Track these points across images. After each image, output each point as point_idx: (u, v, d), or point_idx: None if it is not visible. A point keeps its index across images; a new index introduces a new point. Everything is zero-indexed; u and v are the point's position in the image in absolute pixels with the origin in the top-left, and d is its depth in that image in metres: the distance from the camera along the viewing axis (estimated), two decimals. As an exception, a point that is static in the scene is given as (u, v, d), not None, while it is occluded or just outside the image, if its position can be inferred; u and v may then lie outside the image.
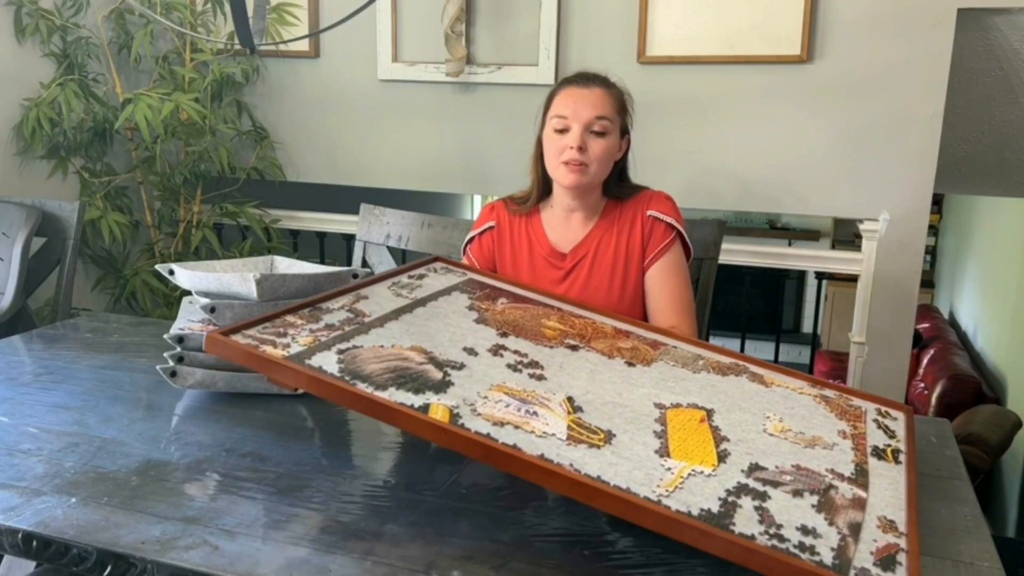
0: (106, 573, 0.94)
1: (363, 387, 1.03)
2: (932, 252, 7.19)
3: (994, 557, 0.97)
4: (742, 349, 3.67)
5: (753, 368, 1.30)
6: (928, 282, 7.01)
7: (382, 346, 1.15)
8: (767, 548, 0.87)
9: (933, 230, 6.91)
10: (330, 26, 2.48)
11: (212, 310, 1.36)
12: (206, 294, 1.42)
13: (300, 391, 1.40)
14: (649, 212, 1.63)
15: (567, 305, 1.43)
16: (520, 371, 1.15)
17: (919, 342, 4.79)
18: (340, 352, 1.11)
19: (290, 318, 1.20)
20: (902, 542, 0.92)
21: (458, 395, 1.05)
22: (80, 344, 1.67)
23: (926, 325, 5.23)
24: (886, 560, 0.89)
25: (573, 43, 2.63)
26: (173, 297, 2.82)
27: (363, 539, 0.97)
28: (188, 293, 1.50)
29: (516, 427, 1.00)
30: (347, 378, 1.05)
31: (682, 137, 2.55)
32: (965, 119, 2.66)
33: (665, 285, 1.62)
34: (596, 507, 0.93)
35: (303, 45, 2.88)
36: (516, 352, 1.20)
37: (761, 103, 2.49)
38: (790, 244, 7.21)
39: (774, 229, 7.81)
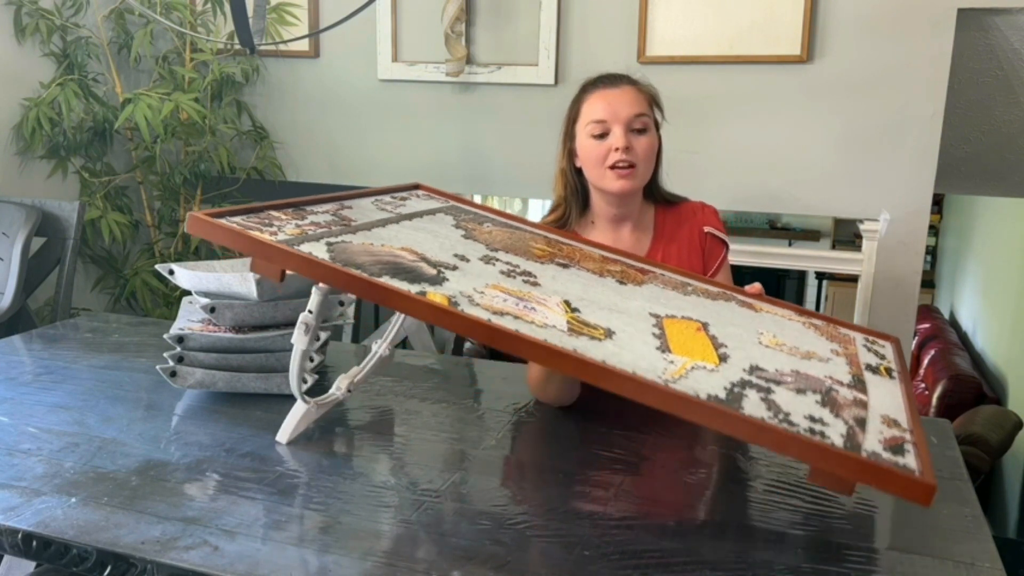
0: (106, 573, 0.94)
1: (357, 272, 1.02)
2: (932, 252, 7.19)
3: (995, 558, 0.97)
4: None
5: (740, 297, 1.34)
6: (928, 282, 7.01)
7: (372, 243, 1.14)
8: (779, 426, 0.87)
9: (933, 230, 6.91)
10: (330, 26, 2.49)
11: (212, 310, 1.36)
12: (206, 294, 1.42)
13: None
14: (706, 229, 1.62)
15: (552, 235, 1.44)
16: (514, 277, 1.15)
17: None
18: (329, 244, 1.10)
19: (274, 212, 1.18)
20: (907, 435, 0.94)
21: (454, 288, 1.05)
22: (80, 344, 1.67)
23: (926, 325, 5.22)
24: (895, 448, 0.90)
25: (573, 43, 2.62)
26: (173, 297, 2.82)
27: (363, 539, 0.97)
28: (188, 293, 1.50)
29: (516, 317, 1.00)
30: (340, 265, 1.04)
31: (682, 137, 2.55)
32: (965, 119, 2.66)
33: None
34: (604, 388, 0.93)
35: (303, 45, 2.87)
36: (508, 263, 1.21)
37: (761, 103, 2.48)
38: (790, 244, 7.21)
39: (774, 229, 7.81)
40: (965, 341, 5.24)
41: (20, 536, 0.97)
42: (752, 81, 2.48)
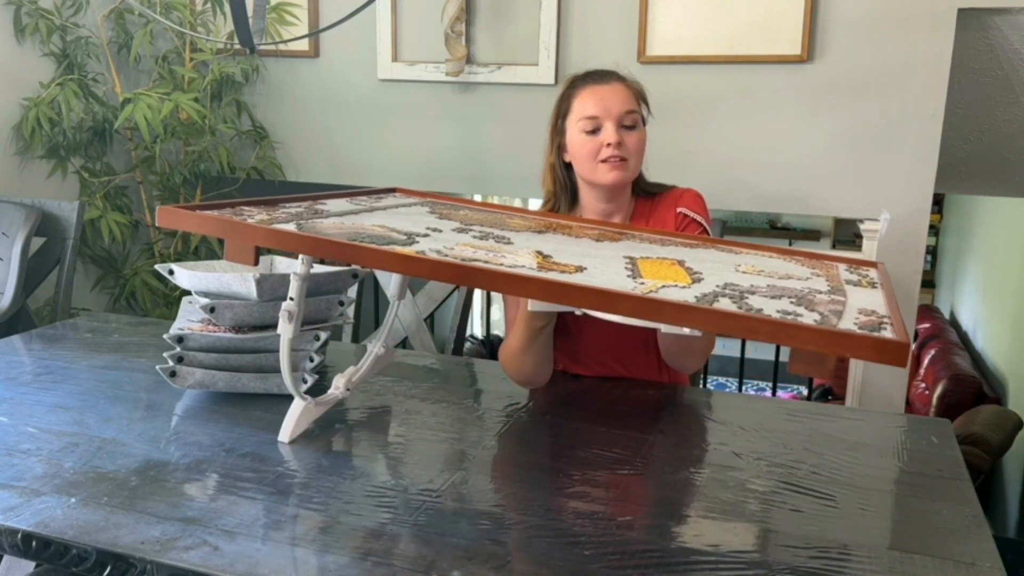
0: (106, 573, 0.93)
1: (324, 236, 1.04)
2: (933, 252, 7.20)
3: (995, 557, 0.97)
4: (742, 349, 3.67)
5: (721, 244, 1.34)
6: (929, 282, 7.02)
7: (343, 223, 1.16)
8: (748, 313, 0.88)
9: (934, 230, 6.91)
10: (330, 26, 2.48)
11: (212, 310, 1.36)
12: (206, 294, 1.42)
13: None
14: (679, 209, 1.61)
15: (530, 215, 1.47)
16: (487, 239, 1.17)
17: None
18: (299, 224, 1.12)
19: (246, 208, 1.20)
20: (885, 319, 0.93)
21: (423, 246, 1.06)
22: (80, 344, 1.67)
23: (926, 325, 5.22)
24: (871, 327, 0.90)
25: (573, 43, 2.62)
26: (173, 297, 2.82)
27: (363, 539, 0.97)
28: (188, 293, 1.50)
29: (485, 262, 1.01)
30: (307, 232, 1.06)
31: (682, 137, 2.55)
32: (965, 119, 2.65)
33: None
34: (572, 304, 0.93)
35: (303, 45, 2.87)
36: (481, 230, 1.23)
37: (761, 103, 2.48)
38: (790, 244, 7.21)
39: (774, 229, 7.82)
40: (965, 341, 5.24)
41: (20, 536, 0.97)
42: (752, 81, 2.48)
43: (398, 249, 1.01)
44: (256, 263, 1.07)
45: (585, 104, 1.53)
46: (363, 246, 1.01)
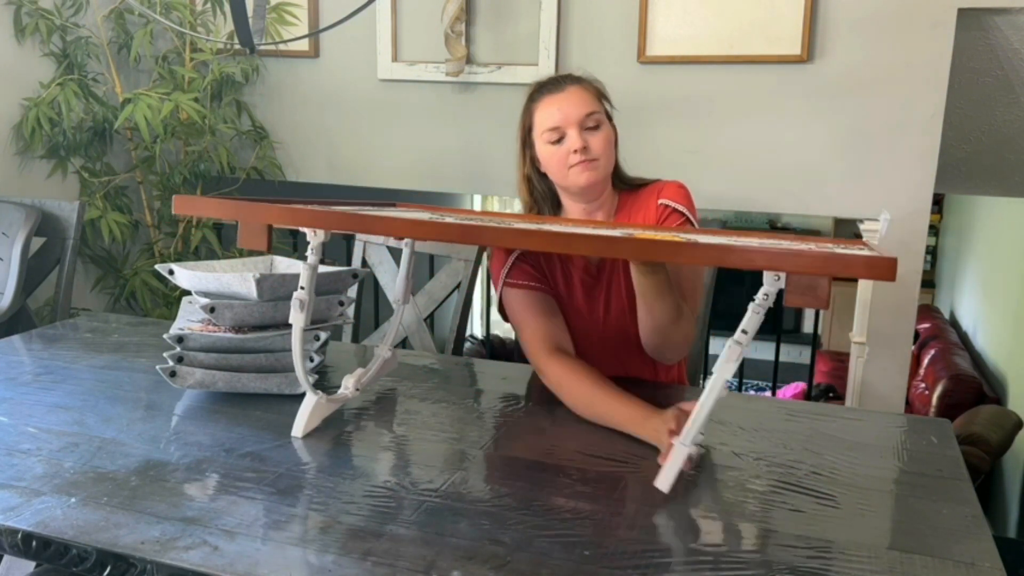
0: (106, 573, 0.93)
1: (337, 209, 1.12)
2: (933, 252, 7.20)
3: (995, 557, 0.97)
4: (742, 349, 3.68)
5: (713, 233, 1.39)
6: (929, 282, 7.02)
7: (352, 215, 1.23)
8: (743, 245, 0.94)
9: (934, 230, 6.91)
10: (330, 26, 2.48)
11: (212, 310, 1.36)
12: (206, 294, 1.42)
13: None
14: (661, 200, 1.61)
15: (526, 218, 1.52)
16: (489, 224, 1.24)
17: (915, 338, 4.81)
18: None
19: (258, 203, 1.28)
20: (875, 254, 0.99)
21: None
22: (80, 344, 1.67)
23: (926, 325, 5.23)
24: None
25: (573, 43, 2.62)
26: (173, 297, 2.82)
27: (363, 539, 0.97)
28: (188, 293, 1.50)
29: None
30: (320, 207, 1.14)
31: (682, 137, 2.55)
32: (965, 119, 2.65)
33: (673, 268, 1.58)
34: (575, 252, 1.01)
35: (303, 45, 2.87)
36: (482, 221, 1.31)
37: (761, 103, 2.48)
38: (790, 244, 7.18)
39: (774, 229, 7.82)
40: (965, 341, 5.24)
41: (20, 536, 0.97)
42: (752, 81, 2.48)
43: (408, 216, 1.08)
44: (269, 247, 1.09)
45: (544, 115, 1.55)
46: (375, 216, 1.07)
